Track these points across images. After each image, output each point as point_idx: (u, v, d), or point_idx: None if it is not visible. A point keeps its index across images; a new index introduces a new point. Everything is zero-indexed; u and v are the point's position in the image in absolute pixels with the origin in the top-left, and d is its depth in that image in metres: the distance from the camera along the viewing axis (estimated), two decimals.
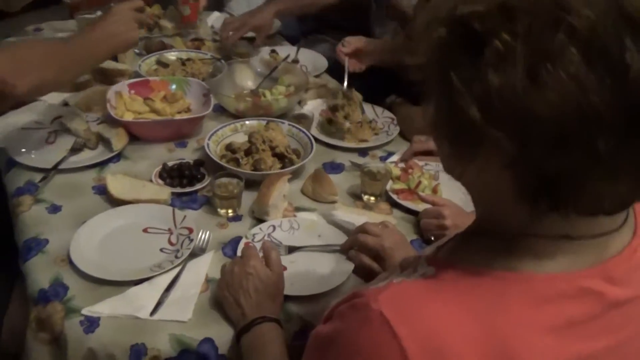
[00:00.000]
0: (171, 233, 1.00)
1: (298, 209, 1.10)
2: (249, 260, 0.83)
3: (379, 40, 1.63)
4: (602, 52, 0.40)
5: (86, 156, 1.20)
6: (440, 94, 0.48)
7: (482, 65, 0.42)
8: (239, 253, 0.94)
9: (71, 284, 0.88)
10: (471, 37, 0.43)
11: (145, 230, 1.00)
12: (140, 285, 0.88)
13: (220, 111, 1.41)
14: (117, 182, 1.08)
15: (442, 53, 0.46)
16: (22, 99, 1.13)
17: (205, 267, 0.93)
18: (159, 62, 1.56)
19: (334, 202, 1.13)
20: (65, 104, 1.38)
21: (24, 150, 1.18)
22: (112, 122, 1.25)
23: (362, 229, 0.91)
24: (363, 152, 1.32)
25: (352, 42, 1.55)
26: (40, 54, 1.04)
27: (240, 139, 1.25)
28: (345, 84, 1.48)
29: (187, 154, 1.25)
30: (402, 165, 1.22)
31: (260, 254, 0.87)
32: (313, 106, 1.46)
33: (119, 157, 1.21)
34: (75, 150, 1.20)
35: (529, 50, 0.41)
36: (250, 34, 1.72)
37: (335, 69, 1.69)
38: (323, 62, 1.73)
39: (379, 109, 1.47)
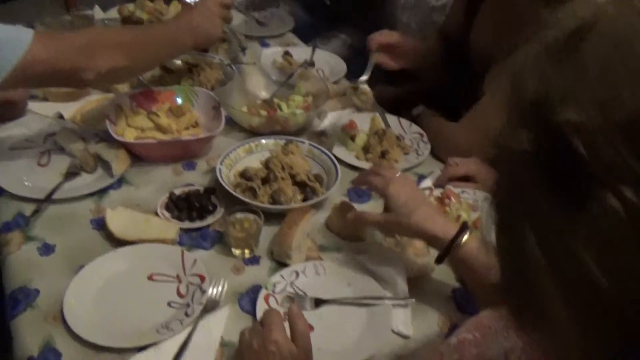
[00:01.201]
0: (180, 281, 0.87)
1: (323, 248, 0.97)
2: (270, 332, 0.70)
3: (417, 42, 1.45)
4: None
5: (83, 182, 1.07)
6: (505, 241, 0.33)
7: (578, 228, 0.27)
8: (258, 313, 0.81)
9: (64, 350, 0.76)
10: (570, 170, 0.28)
11: (150, 278, 0.88)
12: (145, 351, 0.76)
13: (231, 124, 1.27)
14: (117, 218, 0.95)
15: (515, 180, 0.32)
16: (92, 86, 1.16)
17: (219, 327, 0.81)
18: (164, 68, 1.41)
19: (362, 239, 1.00)
20: (60, 116, 1.24)
21: (13, 175, 1.05)
22: (112, 141, 1.12)
23: (375, 171, 0.94)
24: None
25: (386, 36, 1.37)
26: (114, 39, 1.02)
27: (256, 160, 1.12)
28: (365, 77, 1.32)
29: (197, 178, 1.12)
30: (437, 193, 1.09)
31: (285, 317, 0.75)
32: (333, 119, 1.32)
33: (120, 182, 1.08)
34: (70, 174, 1.07)
35: None
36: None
37: (354, 71, 1.55)
38: (341, 66, 1.58)
39: (405, 122, 1.32)
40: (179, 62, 1.44)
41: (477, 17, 1.30)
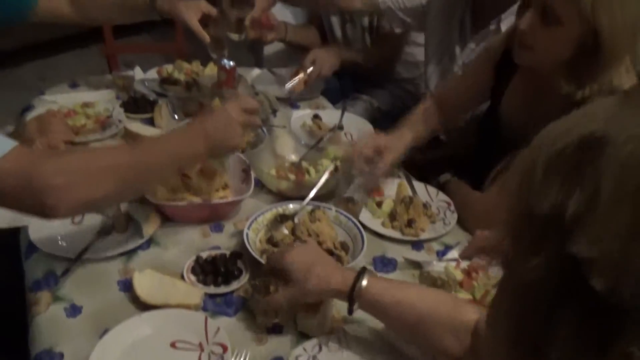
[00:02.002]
0: (202, 350, 0.87)
1: (347, 320, 0.96)
2: None
3: (406, 132, 1.35)
4: None
5: (113, 241, 1.09)
6: None
7: None
8: None
9: None
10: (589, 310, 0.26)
11: (173, 345, 0.87)
12: None
13: (260, 186, 1.29)
14: (145, 280, 0.96)
15: (525, 312, 0.29)
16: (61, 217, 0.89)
17: None
18: None
19: None
20: None
21: (47, 232, 1.08)
22: (143, 201, 1.14)
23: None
24: (417, 244, 1.17)
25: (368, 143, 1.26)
26: (106, 163, 0.87)
27: (283, 223, 1.13)
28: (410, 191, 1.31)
29: (224, 241, 1.13)
30: (464, 265, 1.08)
31: None
32: (361, 184, 1.33)
33: (148, 242, 1.10)
34: (102, 233, 1.10)
35: None
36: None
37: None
38: (369, 130, 1.60)
39: (432, 190, 1.33)
40: None
41: (508, 87, 1.32)
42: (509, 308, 0.31)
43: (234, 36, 1.53)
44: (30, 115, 1.44)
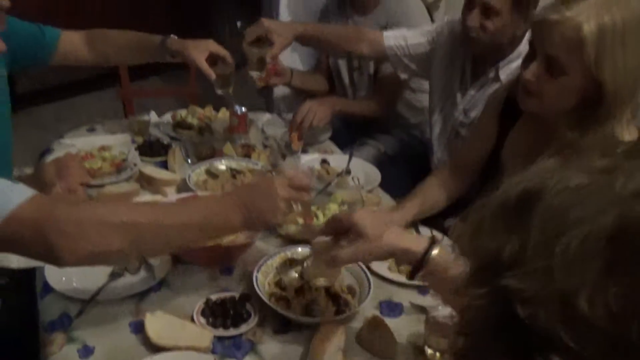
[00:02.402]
0: None
1: None
2: None
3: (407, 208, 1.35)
4: None
5: (126, 282, 1.12)
6: None
7: None
8: None
9: None
10: (515, 332, 0.32)
11: None
12: None
13: (269, 229, 1.32)
14: (156, 322, 0.98)
15: (477, 333, 0.36)
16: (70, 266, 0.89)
17: None
18: (209, 172, 1.51)
19: (392, 357, 0.99)
20: None
21: (63, 273, 1.11)
22: None
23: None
24: (424, 289, 1.19)
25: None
26: (125, 216, 0.85)
27: (292, 270, 1.16)
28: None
29: (233, 284, 1.16)
30: None
31: None
32: None
33: (160, 284, 1.13)
34: (115, 275, 1.13)
35: None
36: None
37: (387, 183, 1.61)
38: (376, 175, 1.65)
39: (437, 235, 1.35)
40: (223, 167, 1.54)
41: (511, 132, 1.36)
42: (462, 328, 0.38)
43: (255, 74, 1.60)
44: (50, 158, 1.50)
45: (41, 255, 0.84)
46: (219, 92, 1.58)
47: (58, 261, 0.81)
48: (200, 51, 1.47)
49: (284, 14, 2.36)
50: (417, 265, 0.88)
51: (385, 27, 1.88)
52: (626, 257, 0.30)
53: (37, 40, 1.47)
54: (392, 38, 1.73)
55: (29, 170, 1.85)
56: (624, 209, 0.32)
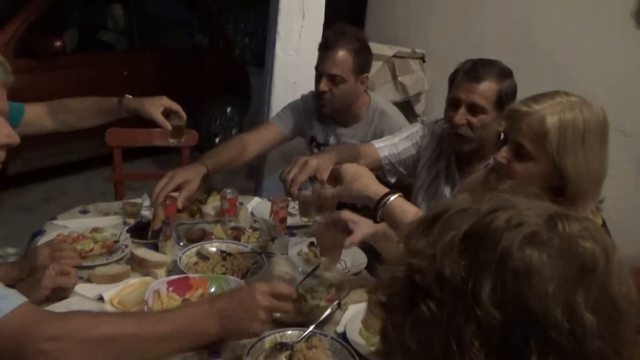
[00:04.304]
0: None
1: None
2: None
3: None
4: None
5: None
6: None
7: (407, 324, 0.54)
8: None
9: None
10: (413, 289, 0.54)
11: None
12: None
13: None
14: None
15: (396, 297, 0.56)
16: None
17: None
18: (200, 254, 1.54)
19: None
20: (100, 298, 1.33)
21: None
22: None
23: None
24: None
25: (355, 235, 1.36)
26: (105, 330, 0.86)
27: (282, 352, 1.16)
28: None
29: None
30: None
31: None
32: (355, 311, 1.38)
33: None
34: None
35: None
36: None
37: (374, 262, 1.65)
38: (362, 258, 1.69)
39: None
40: (214, 249, 1.58)
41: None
42: (383, 289, 0.60)
43: (173, 141, 1.71)
44: (42, 240, 1.52)
45: None
46: (172, 141, 1.71)
47: None
48: (156, 106, 1.60)
49: (275, 108, 2.49)
50: (375, 207, 1.19)
51: (366, 142, 1.98)
52: (472, 247, 0.52)
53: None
54: (386, 148, 1.86)
55: (11, 250, 1.86)
56: (476, 221, 0.54)
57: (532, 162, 1.20)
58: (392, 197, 1.19)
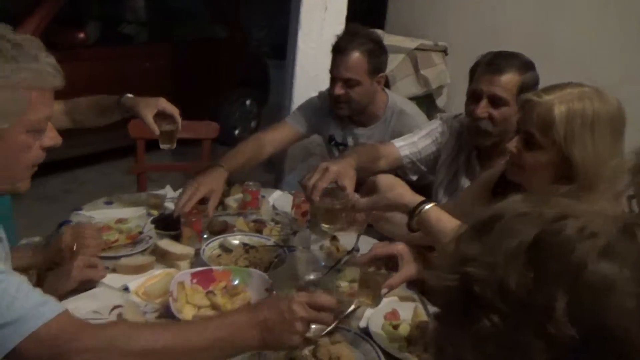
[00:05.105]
0: None
1: None
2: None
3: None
4: None
5: None
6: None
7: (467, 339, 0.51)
8: None
9: None
10: (471, 299, 0.50)
11: None
12: None
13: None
14: None
15: (447, 306, 0.54)
16: None
17: None
18: (222, 247, 1.55)
19: None
20: (126, 288, 1.35)
21: None
22: (171, 318, 1.20)
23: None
24: None
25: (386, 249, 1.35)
26: (139, 343, 0.84)
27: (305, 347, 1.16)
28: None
29: (244, 359, 1.16)
30: None
31: None
32: (378, 306, 1.38)
33: None
34: None
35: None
36: None
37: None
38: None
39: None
40: (236, 242, 1.59)
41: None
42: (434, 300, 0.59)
43: (164, 146, 1.64)
44: None
45: None
46: (162, 147, 1.63)
47: None
48: (150, 108, 1.54)
49: (297, 100, 2.48)
50: (410, 215, 1.19)
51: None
52: (539, 257, 0.49)
53: None
54: (406, 147, 1.84)
55: (37, 239, 1.89)
56: (543, 229, 0.50)
57: (541, 152, 1.22)
58: (427, 206, 1.18)
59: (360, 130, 2.09)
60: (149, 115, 1.53)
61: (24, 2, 3.83)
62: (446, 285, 0.52)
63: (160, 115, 1.55)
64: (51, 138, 1.00)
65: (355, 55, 1.89)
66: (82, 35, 3.77)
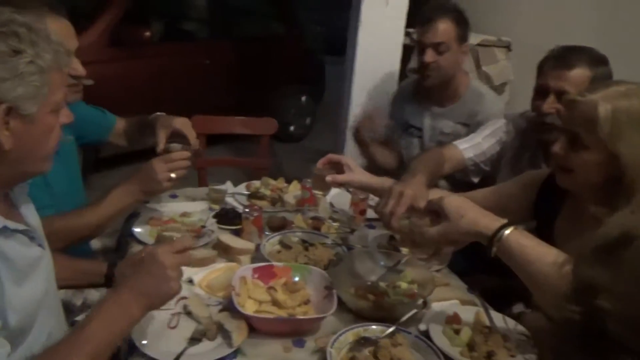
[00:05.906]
0: None
1: None
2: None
3: None
4: None
5: (204, 349, 1.16)
6: None
7: None
8: None
9: None
10: (602, 346, 0.43)
11: None
12: None
13: (340, 304, 1.34)
14: None
15: (565, 343, 0.47)
16: None
17: None
18: (282, 243, 1.57)
19: None
20: (190, 281, 1.39)
21: (146, 334, 1.16)
22: (234, 311, 1.22)
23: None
24: None
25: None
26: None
27: (365, 347, 1.16)
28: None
29: (305, 356, 1.17)
30: None
31: None
32: (438, 309, 1.35)
33: (235, 353, 1.16)
34: (194, 340, 1.17)
35: None
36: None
37: (456, 259, 1.61)
38: (445, 254, 1.65)
39: (510, 322, 1.32)
40: (296, 239, 1.60)
41: (559, 215, 1.41)
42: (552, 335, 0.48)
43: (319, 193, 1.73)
44: (137, 221, 1.61)
45: None
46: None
47: None
48: (164, 127, 1.60)
49: (356, 97, 2.49)
50: (488, 244, 1.08)
51: (463, 124, 1.95)
52: None
53: (99, 121, 1.74)
54: (471, 149, 1.81)
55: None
56: None
57: (588, 151, 1.20)
58: (507, 231, 1.06)
59: (437, 109, 2.10)
60: (161, 132, 1.59)
61: (95, 1, 4.01)
62: (565, 317, 0.46)
63: (177, 137, 1.59)
64: (67, 116, 1.03)
65: (445, 21, 1.99)
66: (147, 33, 3.91)
